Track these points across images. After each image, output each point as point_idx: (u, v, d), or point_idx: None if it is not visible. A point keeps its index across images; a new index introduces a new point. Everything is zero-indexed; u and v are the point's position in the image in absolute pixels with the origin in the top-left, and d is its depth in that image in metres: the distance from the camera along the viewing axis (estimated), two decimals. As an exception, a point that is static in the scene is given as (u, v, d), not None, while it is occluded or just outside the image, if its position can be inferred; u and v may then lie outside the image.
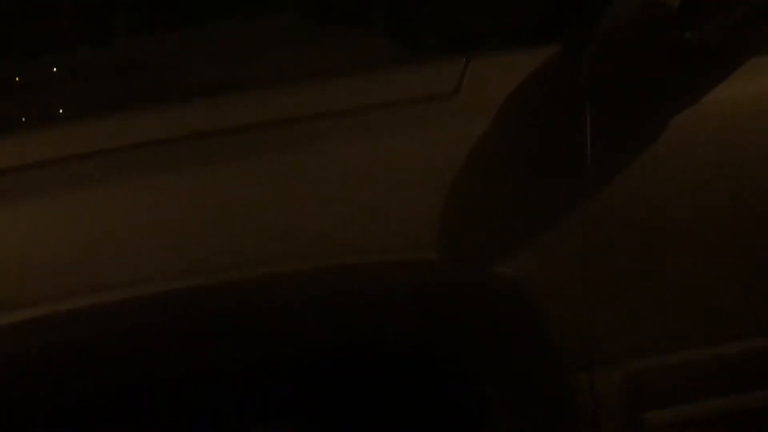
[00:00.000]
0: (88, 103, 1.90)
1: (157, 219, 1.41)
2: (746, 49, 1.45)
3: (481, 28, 1.82)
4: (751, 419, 1.56)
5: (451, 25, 1.95)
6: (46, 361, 1.39)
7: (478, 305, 1.45)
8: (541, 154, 1.48)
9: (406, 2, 2.12)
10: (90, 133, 1.48)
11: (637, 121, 1.49)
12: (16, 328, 1.36)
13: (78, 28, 2.36)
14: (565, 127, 1.47)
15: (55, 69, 2.24)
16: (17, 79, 2.24)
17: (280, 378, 1.56)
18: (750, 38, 1.42)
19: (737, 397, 1.56)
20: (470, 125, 1.45)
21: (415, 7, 2.06)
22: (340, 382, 1.62)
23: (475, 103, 1.47)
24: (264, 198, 1.43)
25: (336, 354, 1.54)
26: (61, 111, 1.91)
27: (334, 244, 1.42)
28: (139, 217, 1.40)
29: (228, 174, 1.44)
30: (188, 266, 1.39)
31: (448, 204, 1.43)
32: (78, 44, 2.31)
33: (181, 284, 1.39)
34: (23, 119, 1.88)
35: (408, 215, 1.44)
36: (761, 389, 1.56)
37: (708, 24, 1.40)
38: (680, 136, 1.48)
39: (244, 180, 1.44)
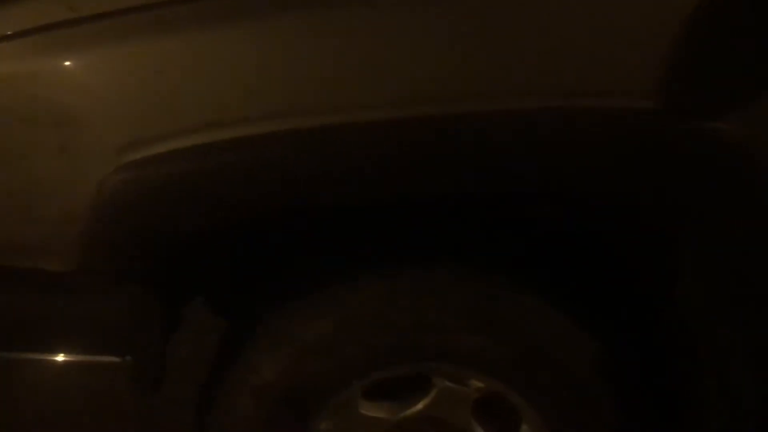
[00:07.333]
0: None
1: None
2: None
3: None
4: None
5: None
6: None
7: (695, 158, 1.40)
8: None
9: None
10: None
11: None
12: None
13: None
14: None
15: None
16: None
17: (474, 216, 1.56)
18: None
19: None
20: None
21: None
22: (527, 225, 1.61)
23: None
24: (483, 32, 1.38)
25: (533, 196, 1.53)
26: None
27: (554, 85, 1.38)
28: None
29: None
30: (406, 96, 1.38)
31: (675, 53, 1.37)
32: None
33: (398, 114, 1.39)
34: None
35: (632, 61, 1.37)
36: None
37: None
38: None
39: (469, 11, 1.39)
